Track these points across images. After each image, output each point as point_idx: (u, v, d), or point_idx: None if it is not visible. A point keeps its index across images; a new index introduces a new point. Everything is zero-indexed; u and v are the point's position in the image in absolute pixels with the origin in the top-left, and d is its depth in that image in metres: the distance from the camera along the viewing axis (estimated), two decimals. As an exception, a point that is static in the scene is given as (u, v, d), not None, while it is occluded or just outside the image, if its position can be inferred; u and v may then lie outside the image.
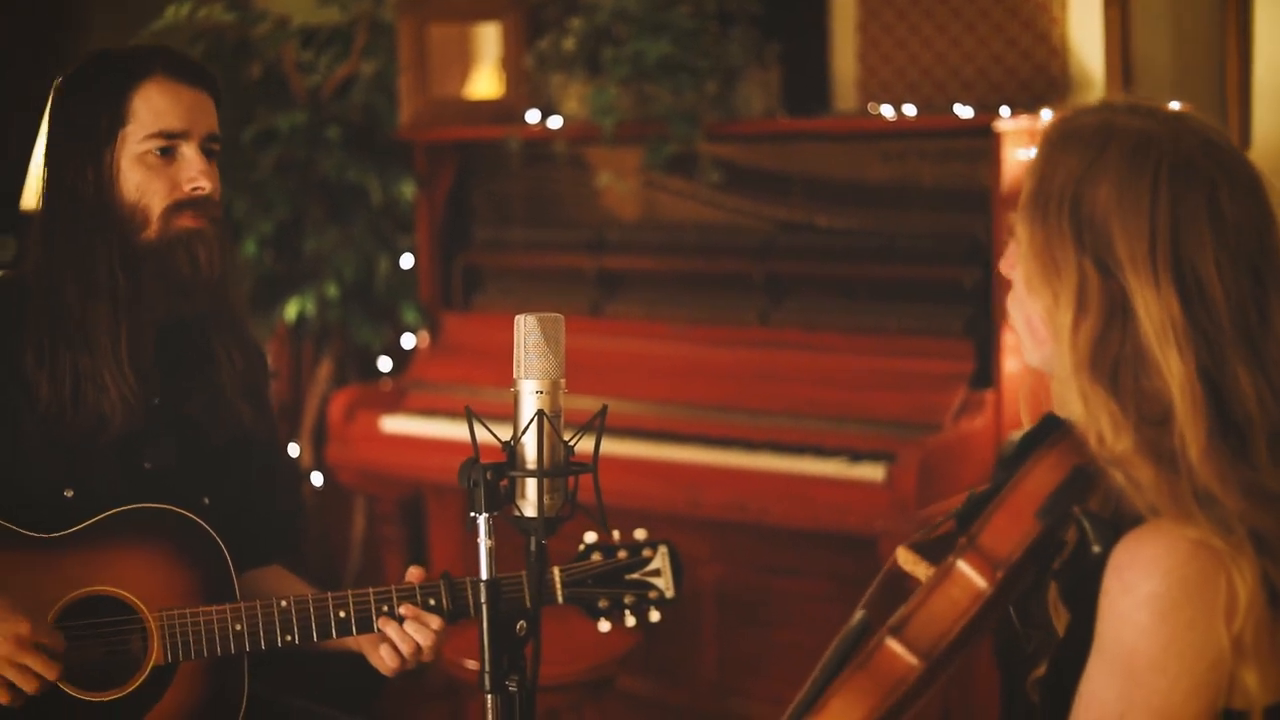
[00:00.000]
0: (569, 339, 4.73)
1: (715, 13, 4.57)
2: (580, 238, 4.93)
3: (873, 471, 4.00)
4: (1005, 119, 4.09)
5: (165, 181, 2.63)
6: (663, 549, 2.78)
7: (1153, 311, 1.77)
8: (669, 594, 2.77)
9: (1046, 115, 4.20)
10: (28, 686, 2.40)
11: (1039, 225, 1.85)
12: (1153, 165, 1.80)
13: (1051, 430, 1.89)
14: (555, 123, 4.75)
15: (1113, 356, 1.80)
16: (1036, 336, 1.92)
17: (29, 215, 2.73)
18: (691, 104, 4.45)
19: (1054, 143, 1.88)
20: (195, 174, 2.65)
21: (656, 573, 2.76)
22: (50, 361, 2.57)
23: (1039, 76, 4.50)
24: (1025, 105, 4.42)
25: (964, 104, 4.46)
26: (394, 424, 4.85)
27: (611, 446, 4.38)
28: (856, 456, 4.07)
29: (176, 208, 2.63)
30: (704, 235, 4.70)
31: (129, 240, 2.61)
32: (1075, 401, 1.83)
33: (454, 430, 4.64)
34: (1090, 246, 1.81)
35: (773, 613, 4.46)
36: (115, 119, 2.61)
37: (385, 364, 5.32)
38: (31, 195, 2.74)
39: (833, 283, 4.49)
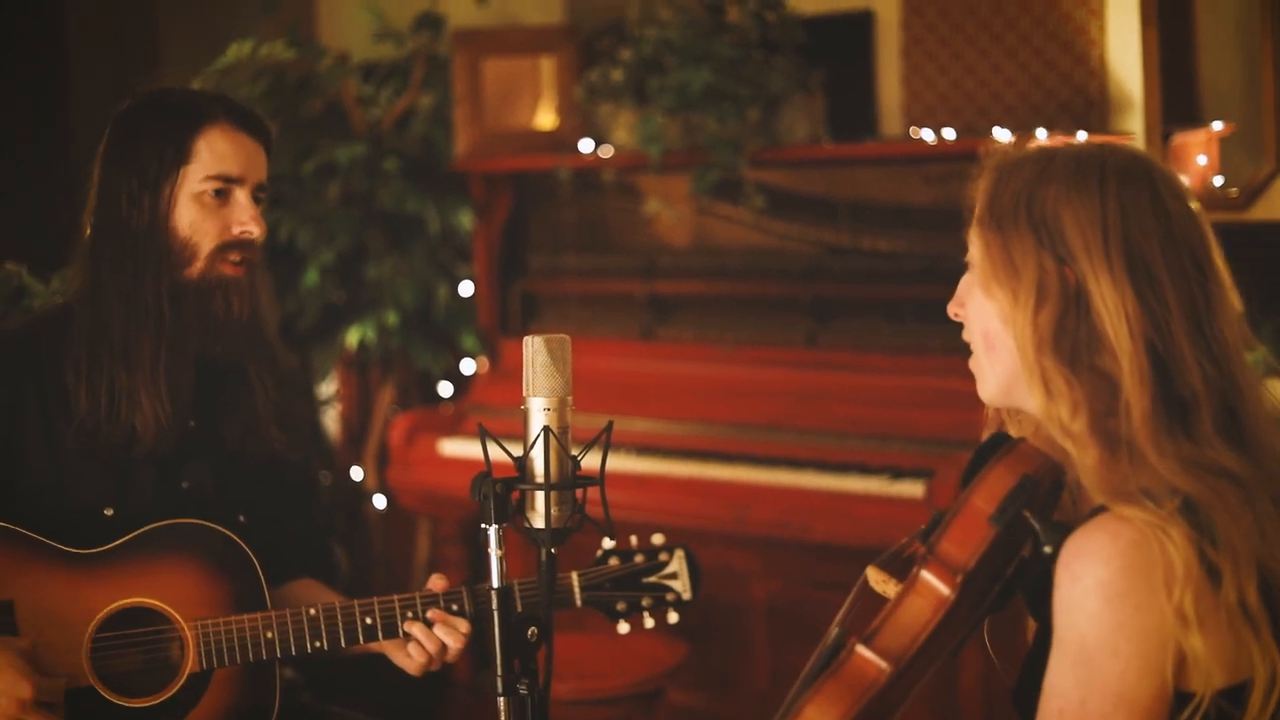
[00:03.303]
0: (621, 363, 4.91)
1: (759, 42, 4.66)
2: (632, 263, 5.04)
3: (913, 488, 4.07)
4: (1041, 141, 4.15)
5: (217, 222, 2.76)
6: (679, 552, 2.86)
7: (1107, 296, 1.89)
8: (686, 596, 2.85)
9: (1082, 136, 4.25)
10: None
11: (995, 233, 1.97)
12: (1097, 168, 1.95)
13: (1001, 445, 2.00)
14: (606, 152, 4.86)
15: (1070, 339, 1.92)
16: (993, 351, 2.02)
17: (81, 244, 2.85)
18: (735, 132, 4.55)
19: (999, 167, 2.02)
20: (246, 219, 2.77)
21: (674, 576, 2.85)
22: (88, 376, 2.70)
23: (1078, 98, 4.56)
24: (1064, 127, 4.48)
25: (1005, 127, 4.52)
26: (453, 447, 4.97)
27: (660, 466, 4.49)
28: (898, 474, 4.15)
29: (224, 249, 2.76)
30: (752, 259, 4.80)
31: (175, 273, 2.74)
32: (1036, 388, 1.93)
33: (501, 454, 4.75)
34: (1047, 242, 1.93)
35: (823, 626, 4.49)
36: (179, 156, 2.74)
37: (446, 389, 5.44)
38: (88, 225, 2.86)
39: (878, 304, 4.57)
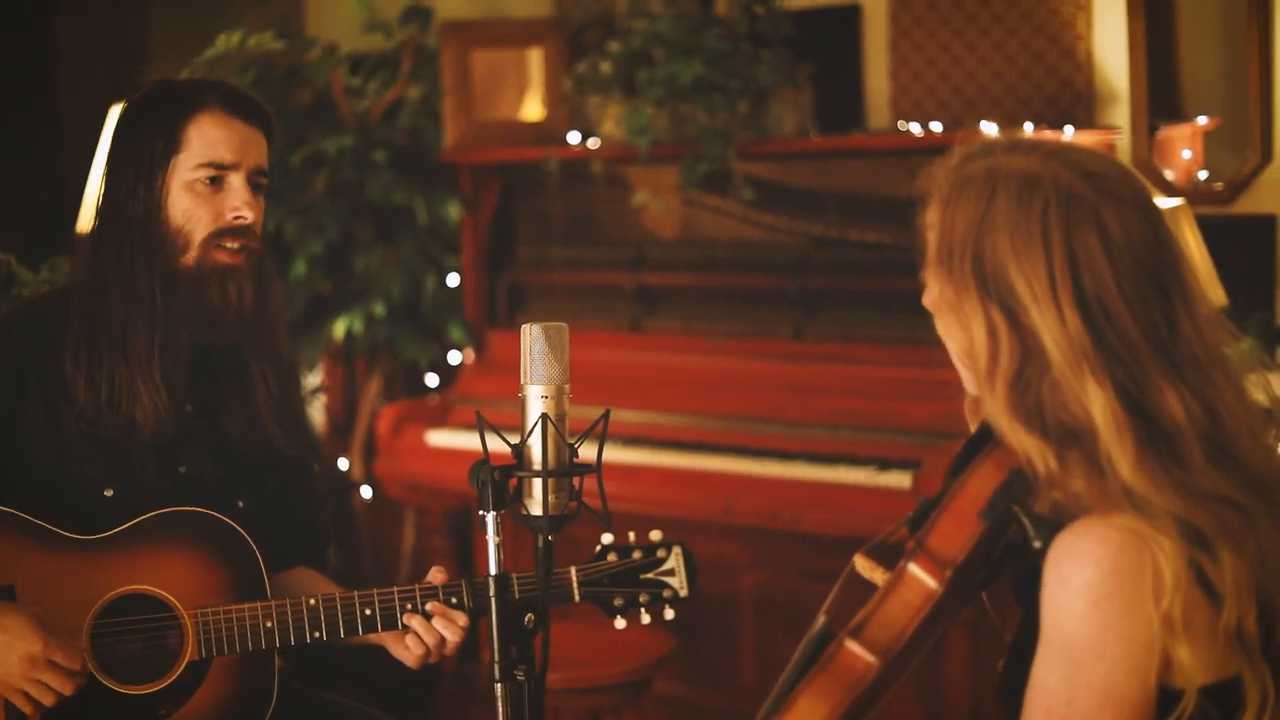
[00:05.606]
0: (610, 354, 4.92)
1: (747, 34, 4.67)
2: (620, 255, 5.06)
3: (900, 479, 4.09)
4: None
5: (210, 210, 2.75)
6: (677, 549, 2.86)
7: (1062, 345, 1.85)
8: (683, 593, 2.85)
9: (1070, 130, 4.28)
10: (45, 700, 2.53)
11: (947, 280, 1.94)
12: (1040, 206, 1.88)
13: (991, 435, 1.97)
14: (595, 144, 4.87)
15: (1032, 396, 1.89)
16: (963, 372, 2.00)
17: (83, 236, 2.86)
18: (724, 124, 4.56)
19: (948, 195, 1.96)
20: (239, 204, 2.76)
21: (671, 572, 2.85)
22: (88, 367, 2.71)
23: (1065, 91, 4.59)
24: (1051, 120, 4.51)
25: (993, 120, 4.55)
26: (439, 438, 4.98)
27: (649, 457, 4.51)
28: (885, 465, 4.17)
29: (217, 235, 2.75)
30: (740, 251, 4.81)
31: (169, 262, 2.75)
32: (1006, 435, 1.91)
33: (497, 443, 4.76)
34: (995, 295, 1.89)
35: (810, 617, 4.53)
36: (170, 145, 2.74)
37: (433, 380, 5.45)
38: (86, 216, 2.85)
39: (865, 296, 4.59)
